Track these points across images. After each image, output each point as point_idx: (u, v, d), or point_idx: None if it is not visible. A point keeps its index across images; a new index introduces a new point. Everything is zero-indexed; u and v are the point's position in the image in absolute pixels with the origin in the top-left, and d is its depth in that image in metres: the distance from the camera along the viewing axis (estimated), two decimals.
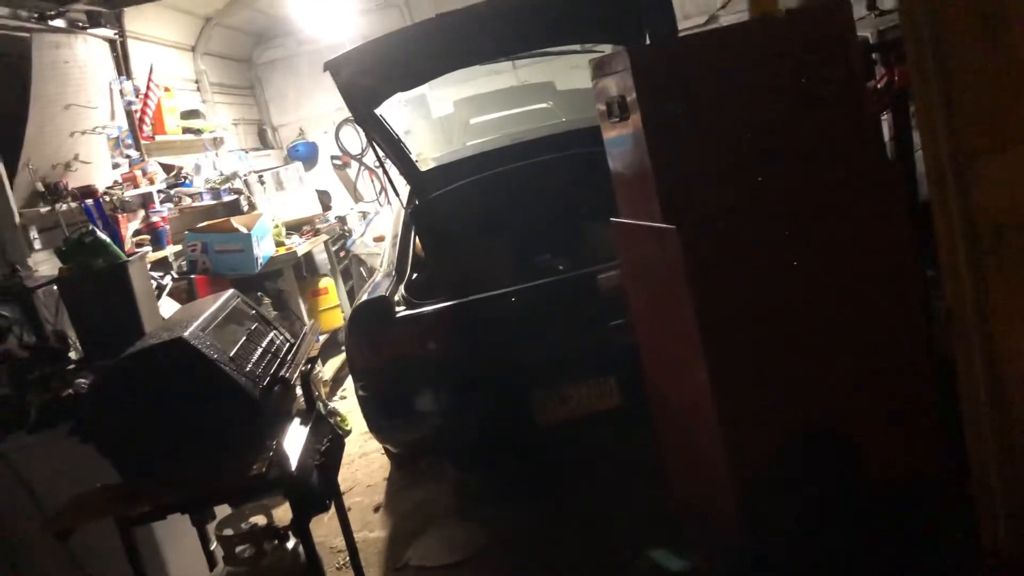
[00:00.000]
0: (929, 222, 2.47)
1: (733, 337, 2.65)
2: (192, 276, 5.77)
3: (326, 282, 7.19)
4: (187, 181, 6.54)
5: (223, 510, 3.06)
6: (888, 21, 4.83)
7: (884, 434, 2.76)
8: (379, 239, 7.80)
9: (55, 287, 3.94)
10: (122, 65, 6.32)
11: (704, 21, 7.88)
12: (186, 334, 2.70)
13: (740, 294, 2.66)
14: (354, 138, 9.47)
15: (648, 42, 4.09)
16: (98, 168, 5.62)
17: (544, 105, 7.57)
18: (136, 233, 5.65)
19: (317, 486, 2.76)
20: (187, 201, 6.42)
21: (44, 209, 4.85)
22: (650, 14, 3.90)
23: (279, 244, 6.43)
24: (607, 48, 4.39)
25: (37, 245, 4.75)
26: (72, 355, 3.77)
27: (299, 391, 3.24)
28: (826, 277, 2.69)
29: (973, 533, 2.59)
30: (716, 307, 2.63)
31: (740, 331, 2.66)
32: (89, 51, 5.83)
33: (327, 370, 6.41)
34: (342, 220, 8.29)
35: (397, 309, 3.88)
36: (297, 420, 3.02)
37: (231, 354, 2.81)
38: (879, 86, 3.47)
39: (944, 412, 2.68)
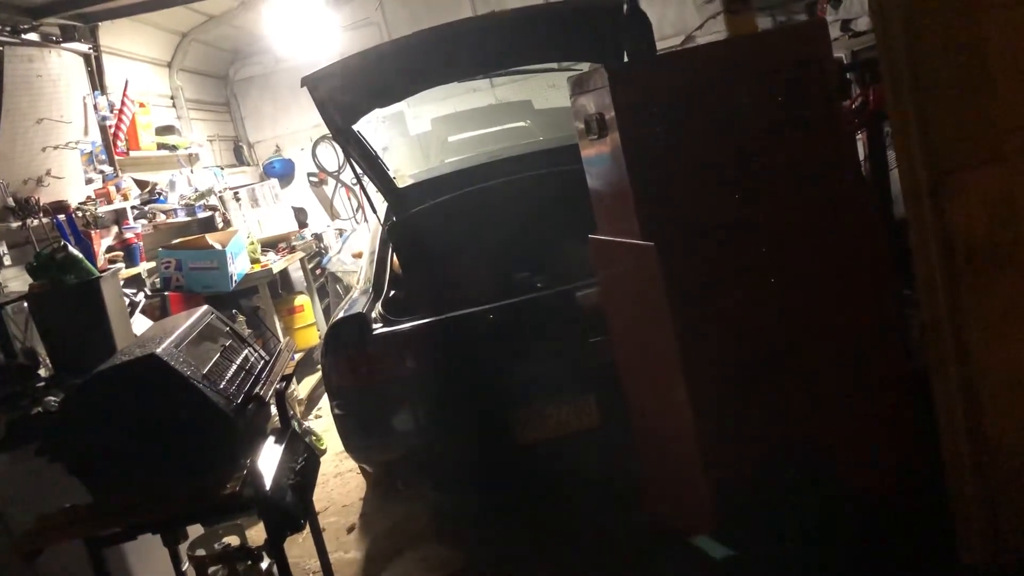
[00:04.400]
0: (905, 240, 2.49)
1: (712, 354, 2.66)
2: (166, 293, 5.70)
3: (302, 300, 7.14)
4: (161, 197, 6.48)
5: (195, 530, 3.01)
6: (863, 42, 4.90)
7: (862, 450, 2.77)
8: (358, 255, 7.76)
9: (25, 303, 3.88)
10: (96, 80, 6.27)
11: (681, 41, 7.96)
12: (159, 350, 2.65)
13: (718, 311, 2.66)
14: (331, 155, 9.44)
15: (626, 60, 4.10)
16: (71, 183, 5.55)
17: (522, 123, 7.58)
18: (109, 249, 5.59)
19: (291, 505, 2.72)
20: (161, 217, 6.37)
21: (15, 224, 4.78)
22: (628, 32, 3.91)
23: (254, 261, 6.38)
24: (585, 66, 4.40)
25: (7, 261, 4.68)
26: (42, 372, 3.70)
27: (274, 409, 3.20)
28: (804, 294, 2.71)
29: (950, 548, 2.59)
30: (695, 324, 2.63)
31: (719, 348, 2.67)
32: (63, 65, 5.77)
33: (303, 388, 6.35)
34: (318, 237, 8.24)
35: (374, 326, 3.85)
36: (272, 439, 2.98)
37: (204, 371, 2.77)
38: (854, 106, 3.51)
39: (921, 428, 2.69)
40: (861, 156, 3.56)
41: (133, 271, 5.62)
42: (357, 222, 9.12)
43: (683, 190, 2.69)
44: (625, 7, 2.97)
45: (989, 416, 2.45)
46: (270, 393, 2.96)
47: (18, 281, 4.51)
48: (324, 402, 5.77)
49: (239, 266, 5.91)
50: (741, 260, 2.68)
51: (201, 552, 2.82)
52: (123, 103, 6.35)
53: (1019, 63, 2.33)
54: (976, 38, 2.32)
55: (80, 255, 3.77)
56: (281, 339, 5.96)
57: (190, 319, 3.14)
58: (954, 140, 2.35)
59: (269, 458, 2.81)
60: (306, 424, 5.75)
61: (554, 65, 4.86)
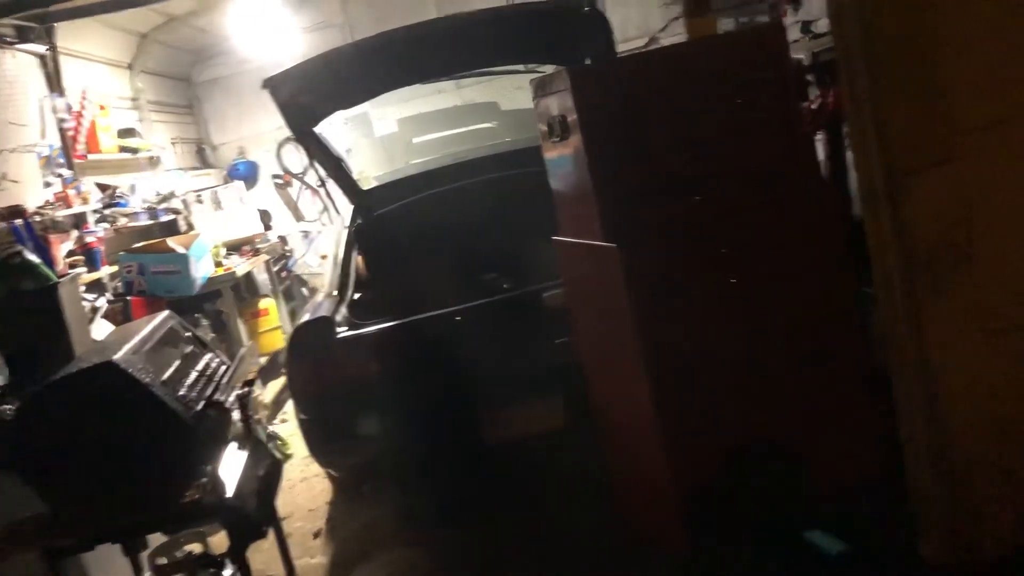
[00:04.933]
0: (864, 239, 2.52)
1: (674, 352, 2.67)
2: (128, 298, 5.62)
3: (267, 303, 7.07)
4: (123, 201, 6.40)
5: (157, 538, 2.97)
6: (822, 44, 4.94)
7: (824, 446, 2.80)
8: (325, 258, 7.72)
9: None
10: (54, 82, 6.17)
11: (645, 43, 7.99)
12: (116, 357, 2.61)
13: (680, 310, 2.68)
14: (296, 157, 9.36)
15: (589, 62, 4.12)
16: (28, 187, 5.46)
17: (488, 125, 7.58)
18: (70, 254, 5.50)
19: (254, 512, 2.69)
20: (123, 221, 6.28)
21: None
22: (590, 35, 3.93)
23: (218, 264, 6.30)
24: (549, 69, 4.41)
25: None
26: None
27: (236, 415, 3.16)
28: (764, 293, 2.73)
29: (909, 543, 2.63)
30: (657, 323, 2.64)
31: (681, 346, 2.68)
32: (18, 67, 5.68)
33: (268, 393, 6.29)
34: (283, 240, 8.18)
35: (339, 330, 3.82)
36: (234, 445, 2.94)
37: (164, 377, 2.73)
38: (814, 107, 3.55)
39: (882, 424, 2.73)
40: (821, 157, 3.60)
41: (94, 276, 5.54)
42: (323, 224, 9.06)
43: (644, 192, 2.70)
44: (586, 8, 2.98)
45: (947, 412, 2.48)
46: (231, 399, 2.93)
47: None
48: (290, 406, 5.72)
49: (202, 270, 5.84)
50: (702, 261, 2.70)
51: (163, 560, 2.79)
52: (82, 105, 6.26)
53: (973, 65, 2.37)
54: (931, 41, 2.35)
55: (38, 260, 3.69)
56: (245, 343, 5.90)
57: (150, 325, 3.10)
58: (910, 141, 2.38)
59: (231, 465, 2.78)
60: (271, 429, 5.69)
61: (519, 67, 4.86)
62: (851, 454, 2.83)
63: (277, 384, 6.43)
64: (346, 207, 4.85)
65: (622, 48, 5.02)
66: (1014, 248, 2.44)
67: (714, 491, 2.73)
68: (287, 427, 5.82)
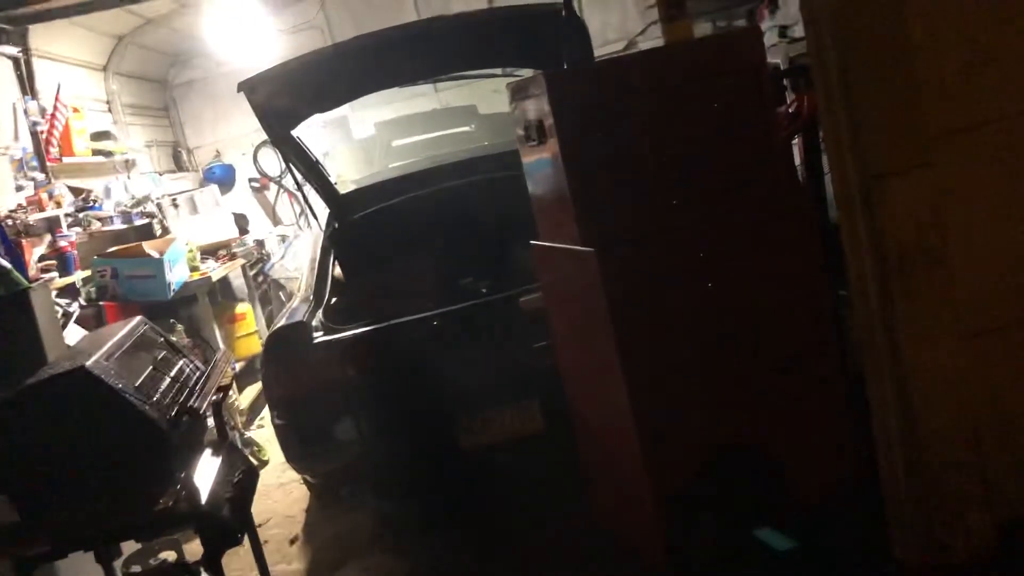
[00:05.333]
0: (840, 243, 2.54)
1: (651, 357, 2.68)
2: (101, 303, 5.55)
3: (243, 308, 7.01)
4: (97, 204, 6.33)
5: (131, 546, 2.93)
6: (799, 48, 4.98)
7: (800, 449, 2.82)
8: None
9: None
10: (27, 84, 6.10)
11: (623, 47, 8.03)
12: (88, 363, 2.58)
13: (658, 315, 2.68)
14: (273, 160, 9.30)
15: (565, 67, 4.13)
16: (0, 191, 5.39)
17: (466, 128, 7.58)
18: (42, 258, 5.42)
19: (229, 519, 2.66)
20: (96, 225, 6.20)
21: None
22: (567, 39, 3.94)
23: (193, 269, 6.24)
24: (527, 72, 4.41)
25: None
26: None
27: (211, 421, 3.13)
28: (741, 298, 2.74)
29: (883, 544, 2.65)
30: (634, 328, 2.65)
31: (658, 351, 2.69)
32: None
33: (245, 398, 6.24)
34: (260, 244, 8.11)
35: (315, 334, 3.80)
36: (209, 451, 2.92)
37: (137, 383, 2.70)
38: (790, 111, 3.57)
39: (857, 427, 2.74)
40: (797, 161, 3.61)
41: (67, 280, 5.46)
42: (300, 228, 9.01)
43: (621, 196, 2.70)
44: (563, 12, 2.98)
45: (921, 415, 2.50)
46: (206, 405, 2.90)
47: None
48: (267, 412, 5.68)
49: (177, 274, 5.78)
50: (679, 265, 2.71)
51: (137, 568, 2.76)
52: (55, 108, 6.19)
53: (947, 69, 2.39)
54: (905, 45, 2.37)
55: (9, 265, 3.64)
56: (220, 348, 5.85)
57: (123, 330, 3.06)
58: (884, 146, 2.40)
59: (205, 471, 2.75)
60: (248, 434, 5.65)
61: (497, 71, 4.86)
62: (827, 457, 2.84)
63: (255, 389, 6.38)
64: (323, 211, 4.82)
65: (602, 52, 5.03)
66: (987, 251, 2.47)
67: (691, 495, 2.73)
68: (264, 432, 5.78)
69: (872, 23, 2.36)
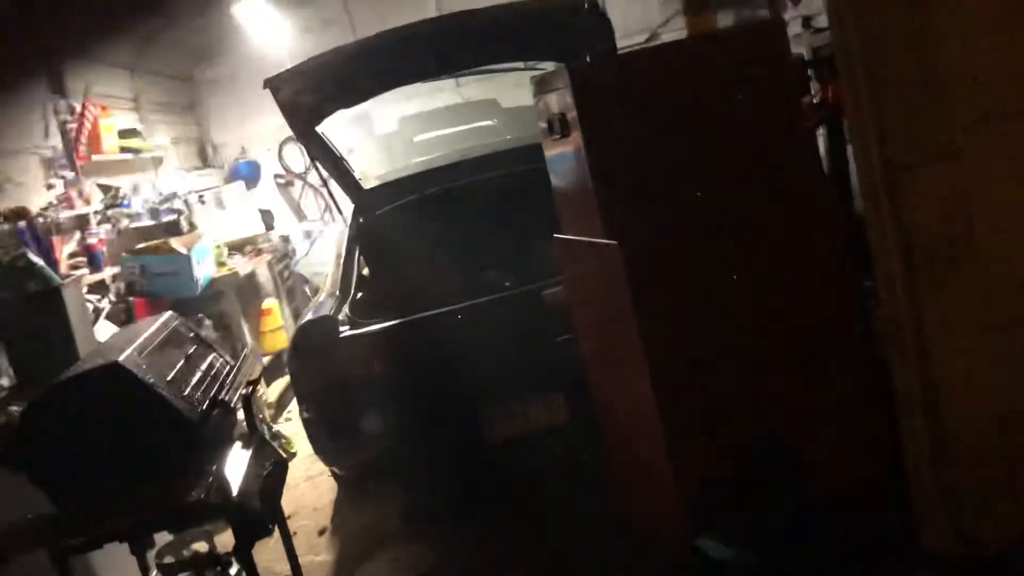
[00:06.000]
0: (865, 234, 2.53)
1: (676, 350, 2.68)
2: (130, 299, 5.64)
3: (270, 303, 7.08)
4: (125, 202, 6.41)
5: (163, 537, 2.99)
6: (823, 39, 4.94)
7: (826, 441, 2.81)
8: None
9: None
10: (56, 83, 6.17)
11: (645, 39, 8.00)
12: (121, 358, 2.63)
13: (681, 307, 2.68)
14: (298, 156, 9.37)
15: (588, 60, 4.13)
16: (31, 189, 5.48)
17: (489, 122, 7.58)
18: (72, 255, 5.52)
19: (260, 511, 2.70)
20: (125, 222, 6.29)
21: None
22: (590, 32, 3.94)
23: (220, 265, 6.32)
24: (549, 66, 4.42)
25: None
26: (4, 382, 3.65)
27: (241, 415, 3.18)
28: (766, 290, 2.74)
29: (910, 536, 2.64)
30: (658, 321, 2.65)
31: (683, 344, 2.69)
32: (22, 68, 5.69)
33: (272, 392, 6.31)
34: (286, 239, 8.19)
35: (341, 329, 3.83)
36: (239, 444, 2.96)
37: (169, 378, 2.75)
38: (815, 102, 3.55)
39: (883, 418, 2.73)
40: (821, 151, 3.60)
41: (97, 277, 5.55)
42: (325, 223, 9.07)
43: (645, 188, 2.70)
44: (585, 5, 2.99)
45: (947, 406, 2.49)
46: (236, 398, 2.94)
47: None
48: (294, 405, 5.74)
49: (204, 270, 5.86)
50: (704, 257, 2.70)
51: (169, 559, 2.81)
52: (84, 107, 6.27)
53: (971, 60, 2.38)
54: (929, 35, 2.36)
55: (41, 262, 3.73)
56: (248, 343, 5.92)
57: (154, 325, 3.12)
58: (909, 136, 2.39)
59: (236, 464, 2.79)
60: (276, 428, 5.72)
61: (519, 65, 4.87)
62: (852, 449, 2.83)
63: (282, 383, 6.45)
64: (348, 206, 4.86)
65: (623, 44, 5.02)
66: (1014, 243, 2.45)
67: (715, 488, 2.73)
68: (292, 426, 5.85)
69: (897, 11, 2.35)
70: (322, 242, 8.18)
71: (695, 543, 2.74)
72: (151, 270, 5.55)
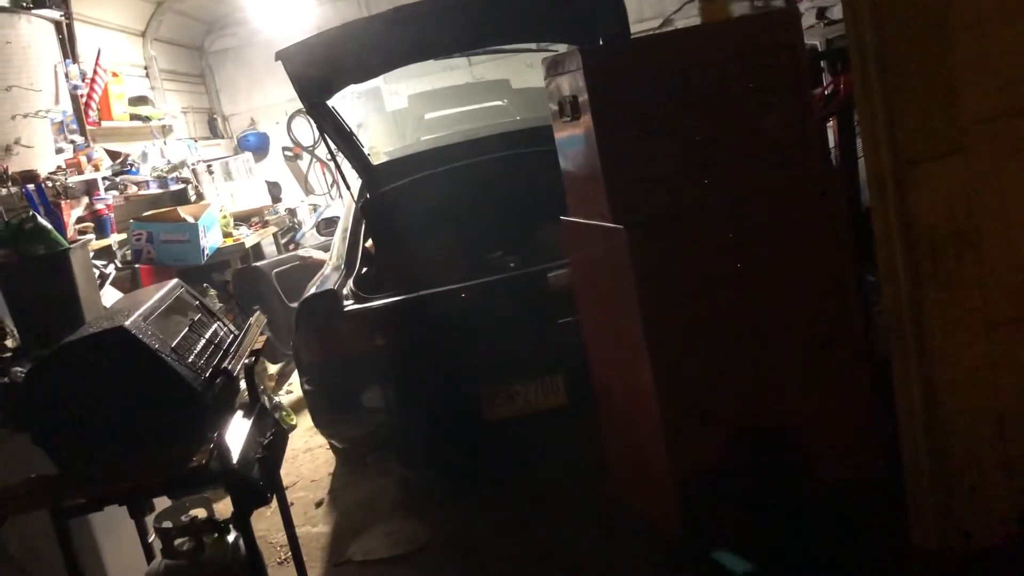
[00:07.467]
0: (870, 228, 2.53)
1: (678, 337, 2.69)
2: (136, 265, 5.66)
3: None
4: (133, 168, 6.41)
5: (162, 502, 3.01)
6: (837, 30, 4.93)
7: (823, 433, 2.82)
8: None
9: None
10: (68, 48, 6.17)
11: (659, 24, 7.96)
12: (127, 323, 2.64)
13: (685, 294, 2.70)
14: (306, 130, 9.37)
15: (601, 43, 4.11)
16: (41, 153, 5.48)
17: (499, 102, 7.57)
18: (79, 220, 5.53)
19: (258, 479, 2.72)
20: (133, 189, 6.30)
21: None
22: (603, 15, 3.93)
23: (226, 235, 6.34)
24: (562, 48, 4.40)
25: None
26: (9, 343, 3.67)
27: (243, 384, 3.20)
28: (769, 279, 2.75)
29: (904, 531, 2.66)
30: (661, 306, 2.66)
31: (685, 331, 2.70)
32: (33, 32, 5.68)
33: (273, 364, 6.34)
34: (292, 212, 8.20)
35: (345, 303, 3.85)
36: (240, 413, 2.98)
37: (173, 344, 2.76)
38: (826, 93, 3.55)
39: (881, 413, 2.75)
40: (831, 143, 3.60)
41: (104, 243, 5.57)
42: (332, 198, 9.08)
43: (653, 174, 2.71)
44: None
45: (946, 401, 2.50)
46: (239, 367, 2.96)
47: None
48: (295, 378, 5.76)
49: (211, 240, 5.88)
50: (709, 245, 2.71)
51: (168, 524, 2.83)
52: (95, 72, 6.26)
53: (983, 55, 2.37)
54: (942, 30, 2.35)
55: (49, 226, 3.72)
56: (254, 313, 5.93)
57: (159, 292, 3.13)
58: (919, 131, 2.39)
59: (237, 432, 2.81)
60: (276, 399, 5.75)
61: (532, 46, 4.85)
62: (850, 441, 2.85)
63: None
64: (355, 181, 4.86)
65: (636, 29, 5.01)
66: (1019, 241, 2.46)
67: (711, 474, 2.75)
68: (292, 398, 5.88)
69: (910, 6, 2.35)
70: (328, 216, 8.20)
71: (711, 555, 2.77)
72: (159, 237, 5.57)
